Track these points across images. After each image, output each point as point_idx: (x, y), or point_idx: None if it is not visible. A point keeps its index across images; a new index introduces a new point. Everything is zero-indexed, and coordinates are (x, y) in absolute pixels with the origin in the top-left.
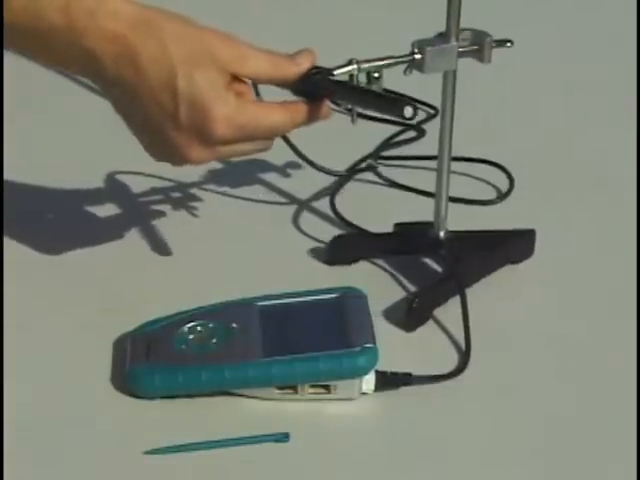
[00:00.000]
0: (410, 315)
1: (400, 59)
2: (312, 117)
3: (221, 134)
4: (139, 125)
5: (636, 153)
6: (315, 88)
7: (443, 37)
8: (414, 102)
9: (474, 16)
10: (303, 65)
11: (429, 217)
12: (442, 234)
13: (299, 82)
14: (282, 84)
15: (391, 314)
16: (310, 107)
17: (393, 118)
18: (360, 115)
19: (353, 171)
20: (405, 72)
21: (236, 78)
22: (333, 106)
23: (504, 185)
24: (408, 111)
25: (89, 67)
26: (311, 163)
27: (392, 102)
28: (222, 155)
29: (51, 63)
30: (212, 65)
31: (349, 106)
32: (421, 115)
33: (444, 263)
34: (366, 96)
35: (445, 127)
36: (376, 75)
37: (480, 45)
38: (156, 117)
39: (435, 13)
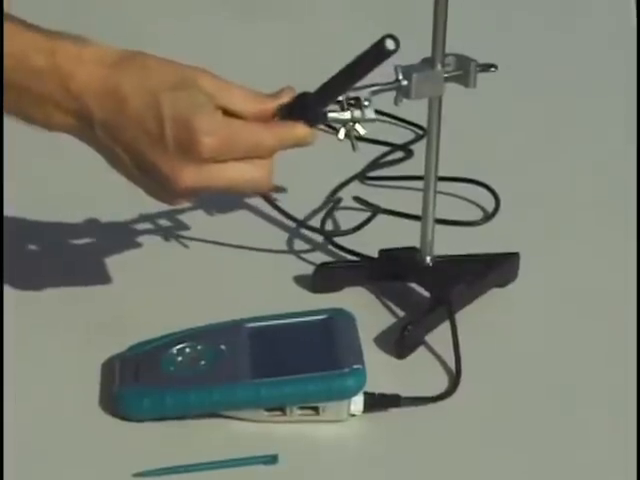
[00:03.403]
0: (402, 344)
1: (386, 86)
2: (300, 136)
3: (207, 144)
4: (128, 163)
5: (623, 173)
6: (303, 110)
7: (428, 63)
8: (392, 36)
9: (456, 41)
10: (283, 98)
11: (415, 238)
12: (429, 259)
13: (285, 111)
14: (264, 118)
15: (380, 336)
16: (298, 127)
17: (378, 60)
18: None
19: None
20: (396, 102)
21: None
22: (322, 127)
23: (490, 205)
24: (390, 43)
25: (73, 112)
26: (277, 207)
27: (374, 47)
28: (213, 177)
29: (31, 113)
30: (196, 89)
31: (343, 135)
32: (409, 136)
33: (433, 289)
34: (349, 70)
35: (431, 148)
36: (366, 103)
37: (465, 70)
38: (143, 146)
39: (413, 37)
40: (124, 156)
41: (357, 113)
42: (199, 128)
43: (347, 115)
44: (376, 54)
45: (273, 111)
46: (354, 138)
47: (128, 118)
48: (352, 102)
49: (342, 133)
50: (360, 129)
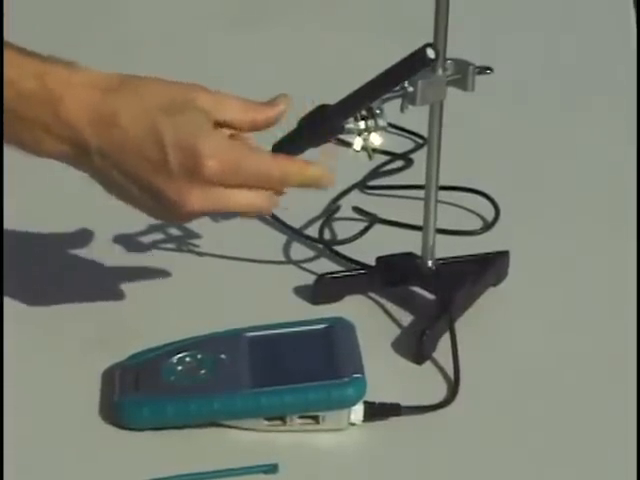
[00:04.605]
0: (421, 349)
1: (394, 93)
2: (308, 175)
3: (212, 166)
4: (131, 188)
5: (624, 182)
6: (323, 121)
7: (430, 68)
8: (431, 45)
9: (453, 45)
10: (280, 106)
11: (414, 246)
12: (431, 263)
13: (307, 127)
14: (260, 126)
15: (380, 344)
16: (309, 167)
17: (417, 69)
18: (348, 145)
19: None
20: (402, 110)
21: (226, 126)
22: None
23: (490, 214)
24: (431, 52)
25: (67, 139)
26: (276, 218)
27: (413, 56)
28: (220, 200)
29: (22, 139)
30: (195, 110)
31: (360, 146)
32: (409, 145)
33: (438, 293)
34: (382, 80)
35: (432, 157)
36: (378, 112)
37: (463, 74)
38: (146, 173)
39: (404, 42)
40: (125, 182)
41: (370, 122)
42: (202, 152)
43: (362, 125)
44: (415, 63)
45: (269, 119)
46: (370, 149)
47: (128, 148)
48: (364, 112)
49: (358, 144)
50: (376, 139)
